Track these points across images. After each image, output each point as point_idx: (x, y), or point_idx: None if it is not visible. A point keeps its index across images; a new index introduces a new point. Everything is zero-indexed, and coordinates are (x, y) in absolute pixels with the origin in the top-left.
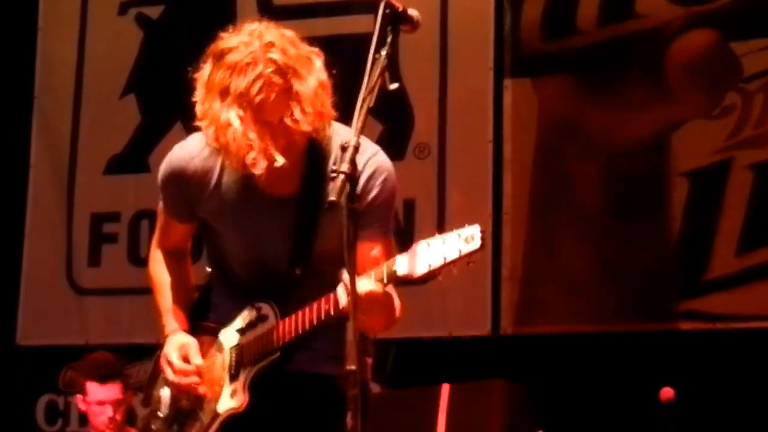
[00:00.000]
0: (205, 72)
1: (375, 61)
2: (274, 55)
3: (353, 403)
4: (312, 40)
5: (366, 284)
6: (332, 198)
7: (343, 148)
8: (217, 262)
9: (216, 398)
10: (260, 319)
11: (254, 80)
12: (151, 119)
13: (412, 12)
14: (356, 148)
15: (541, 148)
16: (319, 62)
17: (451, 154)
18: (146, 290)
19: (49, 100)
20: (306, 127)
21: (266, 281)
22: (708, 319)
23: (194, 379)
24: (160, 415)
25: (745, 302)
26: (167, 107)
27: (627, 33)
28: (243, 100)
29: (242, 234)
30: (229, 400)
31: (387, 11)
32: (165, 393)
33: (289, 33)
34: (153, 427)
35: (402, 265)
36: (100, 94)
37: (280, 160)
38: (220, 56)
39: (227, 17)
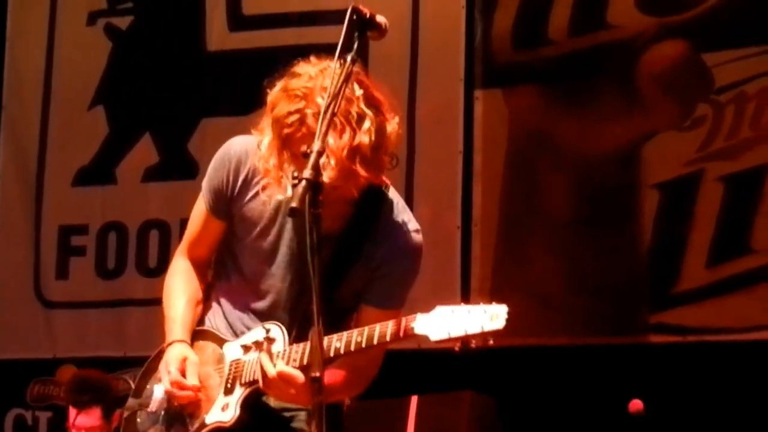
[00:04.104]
0: (277, 84)
1: (340, 68)
2: (322, 100)
3: (317, 412)
4: (280, 50)
5: (280, 366)
6: (294, 204)
7: (305, 155)
8: (225, 269)
9: (207, 408)
10: (267, 341)
11: (292, 113)
12: (118, 131)
13: (380, 18)
14: (320, 153)
15: (511, 159)
16: (370, 124)
17: (420, 165)
18: (114, 303)
19: (17, 111)
20: (326, 179)
21: (269, 300)
22: (678, 332)
23: (188, 394)
24: (149, 410)
25: (714, 315)
26: (135, 119)
27: (598, 43)
28: (276, 125)
29: (262, 246)
30: (219, 413)
31: (354, 17)
32: (158, 390)
33: (356, 88)
34: (138, 419)
35: (421, 325)
36: (68, 105)
37: (287, 192)
38: (289, 76)
39: (196, 28)
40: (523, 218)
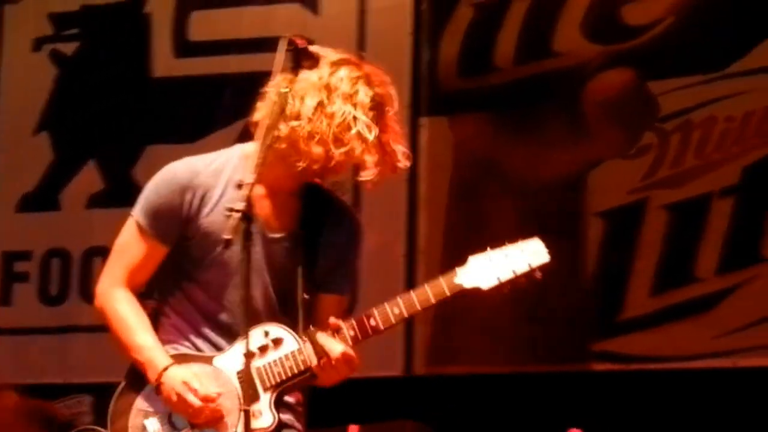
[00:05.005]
0: (324, 71)
1: (276, 98)
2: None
3: None
4: (227, 77)
5: (338, 346)
6: (227, 236)
7: (239, 186)
8: (180, 290)
9: (233, 422)
10: (274, 342)
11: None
12: (63, 157)
13: (314, 49)
14: (252, 186)
15: (457, 187)
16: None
17: (366, 192)
18: (57, 330)
19: None
20: (370, 176)
21: (239, 310)
22: (622, 361)
23: (215, 406)
24: None
25: (659, 343)
26: (80, 145)
27: (544, 71)
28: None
29: (226, 258)
30: (253, 421)
31: (289, 48)
32: (152, 423)
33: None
34: None
35: (466, 278)
36: (13, 131)
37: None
38: (355, 66)
39: (142, 54)
40: (469, 246)
